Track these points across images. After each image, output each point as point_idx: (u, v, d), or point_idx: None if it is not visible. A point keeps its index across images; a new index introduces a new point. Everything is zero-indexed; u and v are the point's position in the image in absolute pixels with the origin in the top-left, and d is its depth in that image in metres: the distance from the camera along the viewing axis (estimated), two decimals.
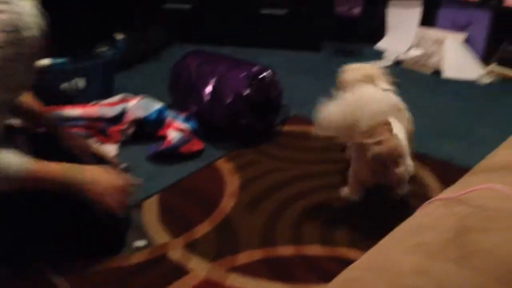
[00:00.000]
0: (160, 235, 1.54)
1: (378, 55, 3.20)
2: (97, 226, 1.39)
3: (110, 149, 1.98)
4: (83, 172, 1.30)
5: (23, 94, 1.38)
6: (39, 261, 1.40)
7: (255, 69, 2.09)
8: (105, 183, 1.31)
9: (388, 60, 3.12)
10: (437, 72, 2.96)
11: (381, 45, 3.31)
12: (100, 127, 2.05)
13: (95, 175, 1.31)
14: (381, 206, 1.73)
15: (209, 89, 2.11)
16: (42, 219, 1.35)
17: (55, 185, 1.25)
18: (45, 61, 2.06)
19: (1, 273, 1.37)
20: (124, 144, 2.06)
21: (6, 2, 1.05)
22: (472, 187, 0.94)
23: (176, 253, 1.47)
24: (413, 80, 2.89)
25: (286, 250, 1.50)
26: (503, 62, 2.88)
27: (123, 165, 1.86)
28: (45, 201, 1.31)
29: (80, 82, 2.18)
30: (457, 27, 3.05)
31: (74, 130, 1.99)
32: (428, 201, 0.95)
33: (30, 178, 1.21)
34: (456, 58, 2.98)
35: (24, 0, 1.09)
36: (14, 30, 1.05)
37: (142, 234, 1.54)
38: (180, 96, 2.27)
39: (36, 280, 1.35)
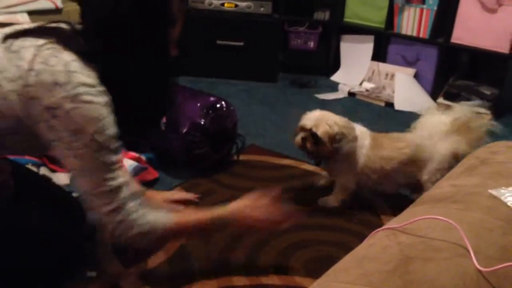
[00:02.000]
0: (112, 265, 1.52)
1: (333, 87, 3.30)
2: (47, 254, 1.36)
3: (62, 178, 1.94)
4: (227, 208, 1.40)
5: None
6: None
7: (211, 99, 2.12)
8: (250, 210, 1.41)
9: (342, 92, 3.22)
10: (389, 104, 3.07)
11: (335, 77, 3.42)
12: (52, 155, 2.01)
13: (237, 206, 1.41)
14: (335, 234, 1.77)
15: (164, 119, 2.12)
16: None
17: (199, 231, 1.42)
18: None
19: None
20: None
21: None
22: (415, 217, 0.98)
23: (129, 284, 1.45)
24: (367, 112, 2.99)
25: (240, 280, 1.51)
26: (448, 97, 3.02)
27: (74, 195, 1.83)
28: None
29: None
30: (407, 62, 3.20)
31: (25, 157, 1.94)
32: (374, 231, 0.99)
33: (175, 231, 1.31)
34: (407, 91, 3.10)
35: None
36: None
37: (94, 264, 1.51)
38: None
39: None
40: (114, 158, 1.18)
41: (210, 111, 2.07)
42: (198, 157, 2.08)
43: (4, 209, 1.33)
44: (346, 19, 3.33)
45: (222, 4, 3.19)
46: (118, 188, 1.19)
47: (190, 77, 3.22)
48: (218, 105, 2.11)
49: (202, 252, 1.62)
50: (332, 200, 1.96)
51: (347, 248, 1.59)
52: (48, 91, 1.09)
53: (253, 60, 3.30)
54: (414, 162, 1.86)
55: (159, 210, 1.30)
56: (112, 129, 1.15)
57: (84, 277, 1.46)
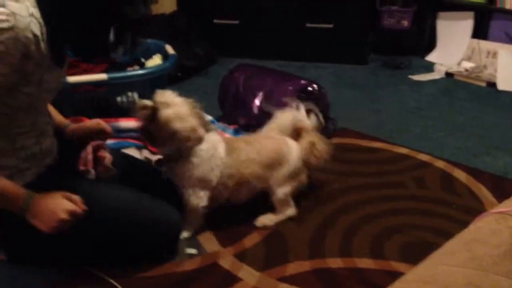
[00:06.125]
0: (211, 244, 1.58)
1: (428, 68, 3.16)
2: (151, 232, 1.44)
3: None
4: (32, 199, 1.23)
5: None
6: (92, 265, 1.45)
7: (302, 82, 2.12)
8: (45, 209, 1.23)
9: (438, 73, 3.07)
10: (491, 84, 2.89)
11: (431, 57, 3.27)
12: None
13: (40, 204, 1.23)
14: (433, 220, 1.71)
15: (257, 101, 2.15)
16: (97, 224, 1.38)
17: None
18: (102, 76, 2.16)
19: (55, 276, 1.42)
20: None
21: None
22: None
23: (227, 262, 1.50)
24: (466, 93, 2.83)
25: (335, 262, 1.50)
26: None
27: None
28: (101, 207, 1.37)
29: (134, 96, 2.27)
30: (511, 39, 2.98)
31: (129, 141, 2.07)
32: (481, 215, 0.95)
33: None
34: (511, 70, 2.90)
35: (18, 2, 1.09)
36: (8, 29, 1.05)
37: (193, 242, 1.58)
38: (229, 109, 2.32)
39: (90, 284, 1.40)
40: None
41: (302, 94, 2.07)
42: None
43: (107, 192, 1.43)
44: None
45: None
46: None
47: (279, 61, 3.23)
48: (309, 88, 2.10)
49: (296, 234, 1.64)
50: (187, 229, 1.59)
51: (446, 234, 1.54)
52: None
53: (343, 42, 3.24)
54: (272, 165, 1.65)
55: None
56: None
57: (184, 254, 1.53)
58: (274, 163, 1.64)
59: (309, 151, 1.72)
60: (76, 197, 1.28)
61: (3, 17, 1.04)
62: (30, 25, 1.09)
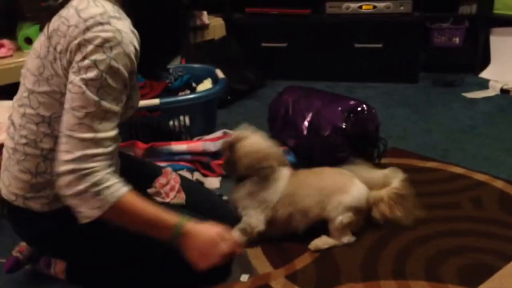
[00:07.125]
0: (262, 265, 1.58)
1: (482, 85, 3.08)
2: None
3: (213, 182, 2.08)
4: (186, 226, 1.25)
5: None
6: (146, 287, 1.48)
7: (352, 103, 2.11)
8: (204, 243, 1.27)
9: (493, 90, 2.98)
10: None
11: (485, 74, 3.18)
12: (204, 161, 2.17)
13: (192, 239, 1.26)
14: (492, 242, 1.64)
15: (306, 123, 2.15)
16: (149, 247, 1.39)
17: (145, 227, 1.22)
18: (155, 101, 2.23)
19: None
20: (227, 177, 2.14)
21: (104, 23, 1.11)
22: None
23: (278, 284, 1.49)
24: None
25: (389, 285, 1.47)
26: None
27: (224, 198, 1.94)
28: None
29: (186, 119, 2.33)
30: None
31: (181, 163, 2.12)
32: None
33: (123, 210, 1.16)
34: None
35: (120, 20, 1.14)
36: (116, 45, 1.10)
37: (245, 263, 1.59)
38: (278, 130, 2.34)
39: None
40: (114, 107, 1.14)
41: (351, 115, 2.06)
42: (340, 161, 2.07)
43: None
44: (496, 11, 3.09)
45: (360, 7, 3.16)
46: (101, 141, 1.12)
47: (328, 82, 3.24)
48: (359, 109, 2.09)
49: (348, 255, 1.62)
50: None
51: (506, 257, 1.49)
52: None
53: (393, 61, 3.21)
54: (331, 193, 1.67)
55: (123, 182, 1.17)
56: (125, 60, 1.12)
57: (236, 276, 1.53)
58: (334, 191, 1.67)
59: (374, 202, 1.74)
60: (231, 236, 1.32)
61: (110, 34, 1.10)
62: (133, 41, 1.15)
